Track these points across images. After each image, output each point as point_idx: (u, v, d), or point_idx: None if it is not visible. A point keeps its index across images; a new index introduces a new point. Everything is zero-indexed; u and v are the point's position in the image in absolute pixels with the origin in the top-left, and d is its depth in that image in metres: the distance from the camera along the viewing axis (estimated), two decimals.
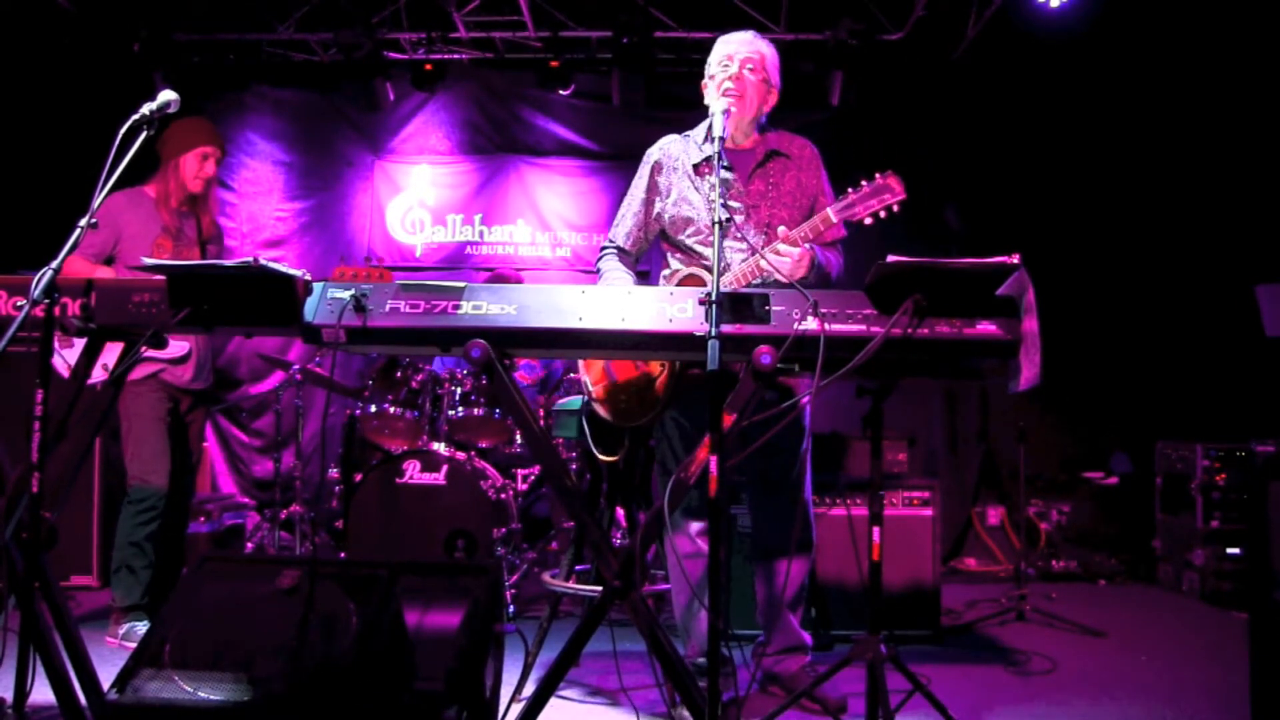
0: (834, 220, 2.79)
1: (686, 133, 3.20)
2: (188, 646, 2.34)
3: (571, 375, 5.10)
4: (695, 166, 3.09)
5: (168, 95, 2.55)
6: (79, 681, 2.46)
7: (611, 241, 3.23)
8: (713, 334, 2.15)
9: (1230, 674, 3.44)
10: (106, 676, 2.40)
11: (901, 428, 5.66)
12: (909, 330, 2.28)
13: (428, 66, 6.10)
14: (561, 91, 6.16)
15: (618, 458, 3.13)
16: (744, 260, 2.92)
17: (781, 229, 2.84)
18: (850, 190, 2.77)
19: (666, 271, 3.12)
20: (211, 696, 2.25)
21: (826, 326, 2.28)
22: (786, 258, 2.78)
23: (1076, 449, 6.01)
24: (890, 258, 2.25)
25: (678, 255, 3.12)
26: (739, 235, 2.97)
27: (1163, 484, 5.39)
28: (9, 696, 2.28)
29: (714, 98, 3.00)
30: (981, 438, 6.20)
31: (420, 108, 6.50)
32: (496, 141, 6.51)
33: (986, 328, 2.30)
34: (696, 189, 3.07)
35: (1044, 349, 2.27)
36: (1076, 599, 4.86)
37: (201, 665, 2.30)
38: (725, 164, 3.00)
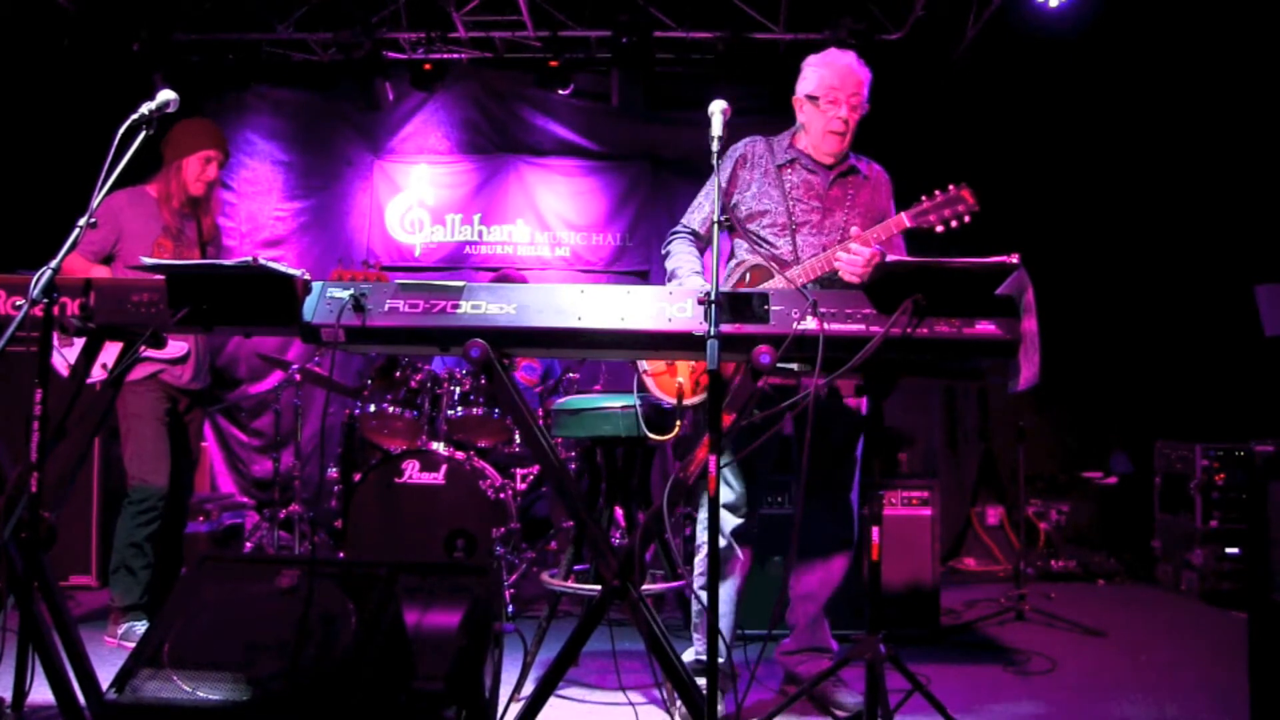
0: (907, 224, 2.87)
1: (771, 137, 3.26)
2: (187, 646, 2.34)
3: (571, 375, 5.11)
4: (780, 166, 3.16)
5: (167, 95, 2.55)
6: (78, 681, 2.45)
7: (685, 226, 3.28)
8: (712, 334, 2.15)
9: (1230, 674, 3.44)
10: (106, 676, 2.40)
11: (901, 428, 5.67)
12: (908, 330, 2.29)
13: (427, 66, 6.10)
14: (561, 91, 6.16)
15: (669, 438, 3.14)
16: (814, 256, 2.99)
17: (854, 229, 2.93)
18: (924, 198, 2.86)
19: (733, 262, 3.19)
20: (210, 696, 2.25)
21: (826, 326, 2.29)
22: (857, 256, 2.84)
23: (1076, 449, 6.01)
24: (890, 257, 2.25)
25: (745, 246, 3.18)
26: (812, 230, 3.07)
27: (1162, 484, 5.39)
28: (8, 696, 2.28)
29: (814, 114, 3.09)
30: (981, 437, 6.20)
31: (420, 107, 6.50)
32: (496, 141, 6.51)
33: (986, 327, 2.30)
34: (776, 185, 3.14)
35: (1043, 349, 2.27)
36: (1076, 599, 4.86)
37: (201, 665, 2.30)
38: (791, 159, 3.13)
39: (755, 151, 3.21)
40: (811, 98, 3.10)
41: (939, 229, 2.85)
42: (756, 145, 3.23)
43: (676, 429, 3.14)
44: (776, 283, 2.97)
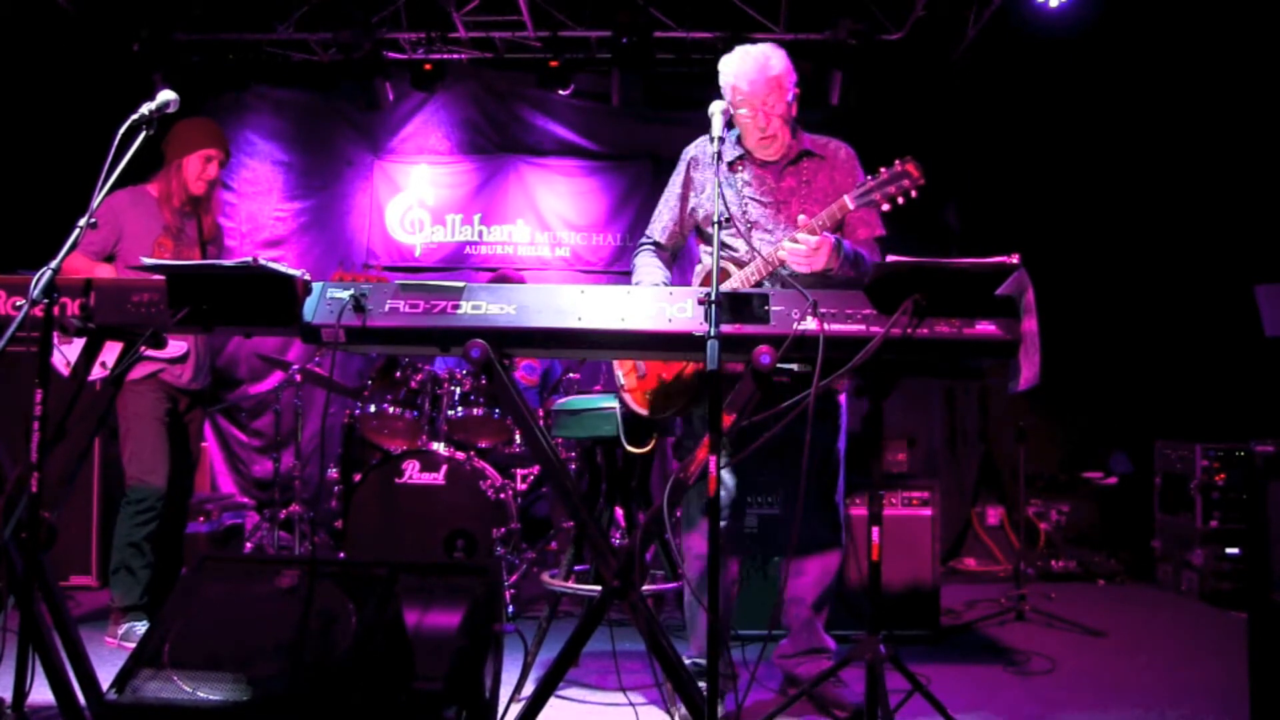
0: (850, 206, 2.79)
1: (722, 134, 3.21)
2: (187, 646, 2.34)
3: (571, 375, 5.11)
4: (730, 164, 3.12)
5: (167, 95, 2.55)
6: (78, 681, 2.46)
7: (648, 237, 3.26)
8: (712, 334, 2.15)
9: (1230, 674, 3.44)
10: (106, 676, 2.40)
11: (901, 428, 5.67)
12: (909, 330, 2.29)
13: (427, 66, 6.09)
14: (561, 91, 6.16)
15: (645, 450, 3.14)
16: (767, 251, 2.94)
17: (801, 218, 2.85)
18: (869, 178, 2.78)
19: (699, 267, 3.15)
20: (211, 696, 2.25)
21: (826, 326, 2.29)
22: (802, 245, 2.78)
23: (1076, 449, 6.01)
24: (890, 257, 2.25)
25: (709, 250, 3.14)
26: (766, 228, 3.02)
27: (1162, 484, 5.39)
28: (8, 696, 2.28)
29: (740, 121, 3.03)
30: (981, 438, 6.20)
31: (420, 108, 6.49)
32: (496, 141, 6.51)
33: (986, 328, 2.30)
34: (729, 185, 3.10)
35: (1043, 349, 2.27)
36: (1076, 599, 4.86)
37: (201, 665, 2.30)
38: (740, 155, 3.08)
39: (706, 151, 3.14)
40: (733, 106, 3.02)
41: (885, 207, 2.77)
42: (707, 145, 3.11)
43: (653, 443, 3.14)
44: (732, 284, 2.93)
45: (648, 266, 3.16)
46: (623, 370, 3.06)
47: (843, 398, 3.15)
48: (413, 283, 2.42)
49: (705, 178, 3.13)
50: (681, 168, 3.21)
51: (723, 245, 3.08)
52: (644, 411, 2.99)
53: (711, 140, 2.50)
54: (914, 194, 2.76)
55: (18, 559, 2.34)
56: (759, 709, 2.94)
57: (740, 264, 2.99)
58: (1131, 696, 3.30)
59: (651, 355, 2.83)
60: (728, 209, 3.05)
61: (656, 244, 3.23)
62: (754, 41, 3.12)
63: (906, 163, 2.75)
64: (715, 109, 2.57)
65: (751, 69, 2.98)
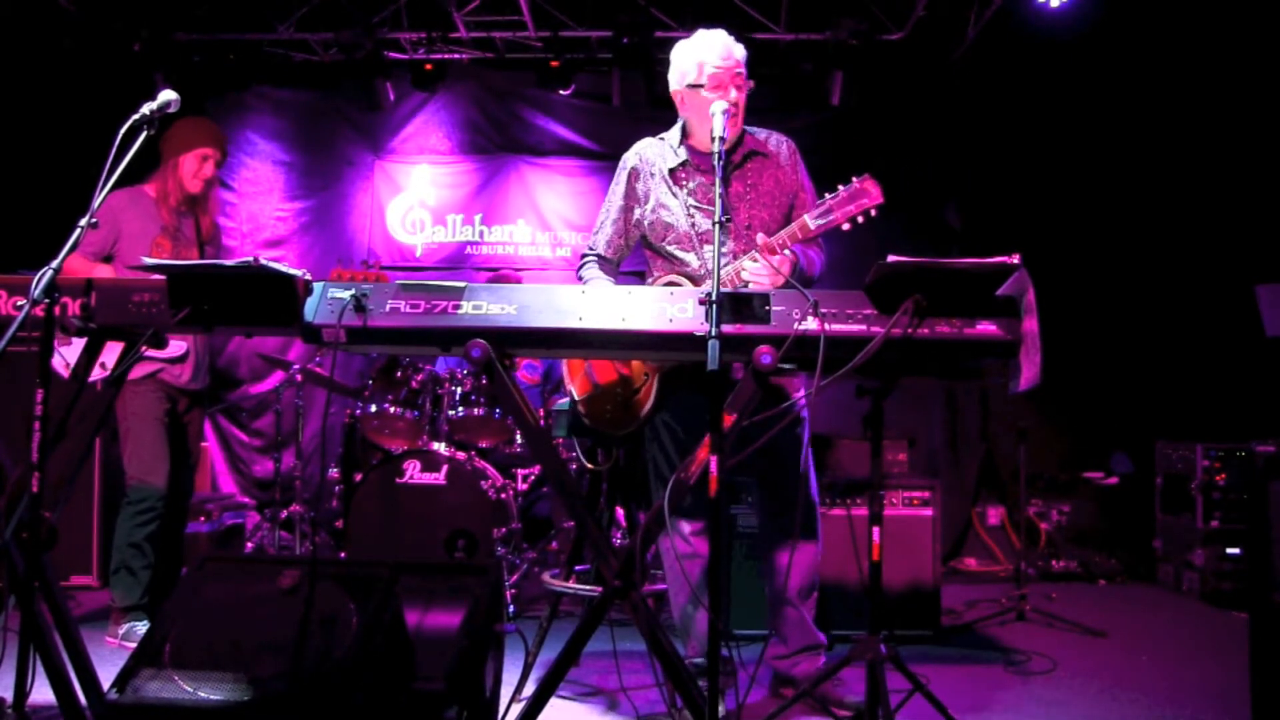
0: (812, 228, 2.75)
1: (662, 135, 3.15)
2: (188, 646, 2.34)
3: None
4: (671, 172, 3.05)
5: (168, 95, 2.56)
6: (79, 681, 2.46)
7: (592, 249, 3.19)
8: (713, 334, 2.15)
9: (1230, 674, 3.44)
10: (106, 676, 2.40)
11: (901, 428, 5.67)
12: (909, 330, 2.29)
13: (428, 66, 6.10)
14: (562, 91, 6.16)
15: (605, 466, 3.13)
16: (723, 267, 2.85)
17: (760, 237, 2.81)
18: (828, 195, 2.74)
19: (650, 280, 3.10)
20: (211, 696, 2.25)
21: (827, 326, 2.29)
22: (765, 269, 2.76)
23: (1076, 449, 6.01)
24: (890, 258, 2.25)
25: (659, 262, 3.09)
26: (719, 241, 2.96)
27: (1163, 484, 5.39)
28: (9, 696, 2.29)
29: (701, 104, 2.94)
30: (981, 438, 6.20)
31: (420, 108, 6.50)
32: (497, 141, 6.51)
33: (986, 328, 2.31)
34: (674, 195, 3.04)
35: (1044, 349, 2.27)
36: (1076, 599, 4.85)
37: (201, 665, 2.30)
38: (682, 162, 3.03)
39: (646, 160, 3.09)
40: (694, 86, 2.95)
41: (846, 227, 2.71)
42: (647, 152, 3.10)
43: (611, 460, 3.11)
44: None
45: (600, 281, 3.08)
46: (575, 386, 3.02)
47: (802, 396, 3.08)
48: (413, 283, 2.42)
49: (649, 187, 3.06)
50: (622, 177, 3.13)
51: (670, 258, 3.03)
52: (599, 428, 2.97)
53: (713, 140, 2.49)
54: (874, 213, 2.70)
55: (19, 559, 2.34)
56: (759, 708, 2.94)
57: (692, 278, 2.91)
58: (1132, 696, 3.30)
59: (652, 355, 2.83)
60: (675, 222, 3.00)
61: (601, 257, 3.16)
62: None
63: (865, 180, 2.71)
64: (716, 109, 2.56)
65: (722, 44, 2.98)
